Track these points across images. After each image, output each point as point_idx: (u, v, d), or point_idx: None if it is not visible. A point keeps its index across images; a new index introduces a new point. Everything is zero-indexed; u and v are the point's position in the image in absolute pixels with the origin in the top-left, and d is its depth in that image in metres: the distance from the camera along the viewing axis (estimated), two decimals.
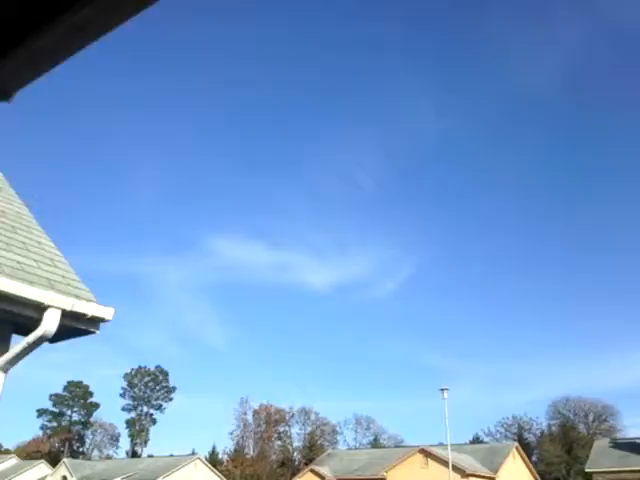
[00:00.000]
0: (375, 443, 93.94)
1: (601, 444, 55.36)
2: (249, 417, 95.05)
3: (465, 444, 68.46)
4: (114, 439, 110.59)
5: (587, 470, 49.92)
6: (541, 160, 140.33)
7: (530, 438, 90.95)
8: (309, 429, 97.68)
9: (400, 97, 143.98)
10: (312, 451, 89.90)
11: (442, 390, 41.69)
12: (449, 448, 43.29)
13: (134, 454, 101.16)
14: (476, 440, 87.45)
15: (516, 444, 61.85)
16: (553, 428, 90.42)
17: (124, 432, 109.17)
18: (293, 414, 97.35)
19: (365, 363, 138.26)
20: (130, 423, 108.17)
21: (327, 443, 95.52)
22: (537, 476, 62.69)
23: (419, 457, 52.93)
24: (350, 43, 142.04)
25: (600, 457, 50.97)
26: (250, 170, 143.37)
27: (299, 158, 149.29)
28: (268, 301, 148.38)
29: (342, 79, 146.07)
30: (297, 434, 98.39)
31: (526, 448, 76.43)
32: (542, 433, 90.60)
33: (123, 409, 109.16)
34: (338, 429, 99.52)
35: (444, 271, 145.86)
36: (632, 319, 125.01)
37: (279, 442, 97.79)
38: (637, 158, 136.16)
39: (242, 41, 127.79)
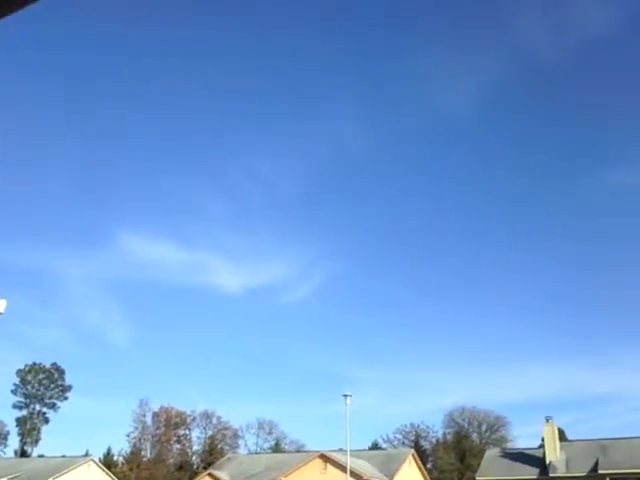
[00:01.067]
0: (276, 448, 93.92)
1: (492, 453, 57.85)
2: (148, 419, 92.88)
3: (364, 450, 69.68)
4: (2, 437, 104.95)
5: (477, 478, 51.99)
6: (454, 179, 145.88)
7: (426, 445, 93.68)
8: (210, 433, 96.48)
9: (323, 103, 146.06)
10: (212, 455, 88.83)
11: (345, 396, 42.30)
12: (348, 454, 43.96)
13: (23, 454, 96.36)
14: (375, 446, 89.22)
15: (412, 451, 63.58)
16: (448, 436, 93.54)
17: (14, 430, 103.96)
18: (194, 417, 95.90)
19: (273, 367, 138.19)
20: (20, 421, 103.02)
21: (228, 447, 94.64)
22: None
23: (318, 462, 53.39)
24: (273, 51, 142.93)
25: (490, 466, 53.23)
26: (167, 169, 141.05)
27: (219, 159, 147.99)
28: (178, 302, 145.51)
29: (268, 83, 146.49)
30: (197, 438, 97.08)
31: (422, 455, 78.70)
32: (437, 441, 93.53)
33: (14, 406, 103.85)
34: (240, 433, 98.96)
35: (356, 279, 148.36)
36: (527, 334, 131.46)
37: (178, 445, 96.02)
38: (545, 173, 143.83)
39: (154, 35, 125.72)
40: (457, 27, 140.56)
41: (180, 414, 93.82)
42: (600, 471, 45.97)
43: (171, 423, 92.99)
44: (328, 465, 52.56)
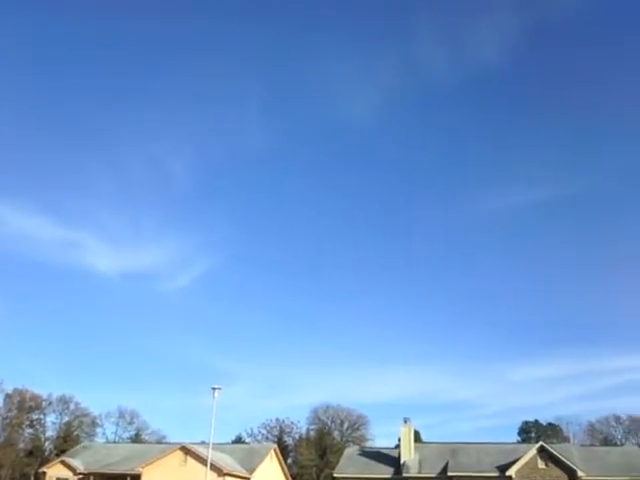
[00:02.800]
0: (136, 438, 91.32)
1: (351, 451, 59.47)
2: (0, 401, 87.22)
3: (227, 444, 69.39)
4: None
5: (335, 475, 53.24)
6: (343, 188, 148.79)
7: (289, 441, 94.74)
8: (66, 419, 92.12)
9: (226, 99, 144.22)
10: (66, 442, 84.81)
11: (213, 389, 41.81)
12: (210, 447, 43.55)
13: None
14: (238, 440, 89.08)
15: (275, 446, 64.02)
16: (311, 433, 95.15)
17: None
18: (51, 402, 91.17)
19: (142, 356, 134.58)
20: None
21: (85, 435, 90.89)
22: (289, 478, 65.48)
23: (179, 454, 52.41)
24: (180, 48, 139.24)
25: (348, 463, 54.66)
26: (56, 143, 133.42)
27: (109, 138, 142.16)
28: (47, 279, 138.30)
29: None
30: (53, 423, 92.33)
31: (284, 451, 79.52)
32: (301, 437, 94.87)
33: None
34: (99, 421, 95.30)
35: (237, 272, 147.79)
36: (395, 338, 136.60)
37: (30, 430, 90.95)
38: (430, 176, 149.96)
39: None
40: (360, 38, 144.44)
41: (35, 397, 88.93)
42: (449, 473, 48.53)
43: (25, 406, 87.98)
44: (189, 458, 51.74)
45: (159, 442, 79.26)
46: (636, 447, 63.22)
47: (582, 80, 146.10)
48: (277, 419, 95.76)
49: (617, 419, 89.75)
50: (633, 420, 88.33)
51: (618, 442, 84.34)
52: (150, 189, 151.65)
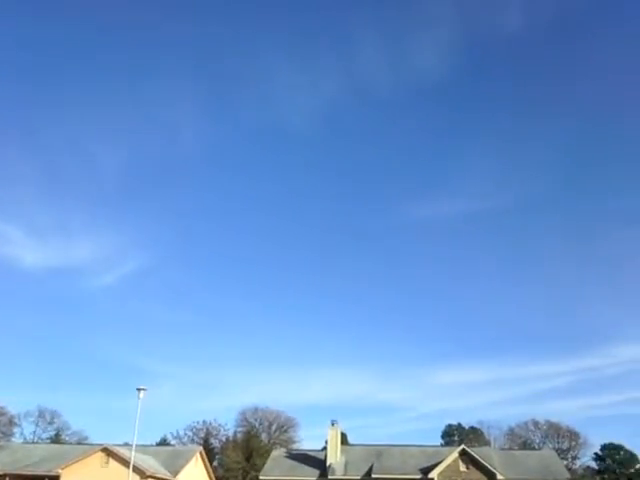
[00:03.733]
0: (56, 438, 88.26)
1: (277, 454, 59.44)
2: None
3: (151, 445, 67.98)
4: None
5: (260, 477, 53.11)
6: (284, 191, 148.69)
7: (216, 443, 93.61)
8: None
9: (163, 99, 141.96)
10: None
11: (138, 390, 40.92)
12: (133, 448, 42.60)
13: None
14: (163, 442, 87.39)
15: (200, 448, 63.18)
16: (239, 435, 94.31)
17: None
18: None
19: (64, 354, 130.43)
20: None
21: (1, 434, 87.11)
22: None
23: (100, 455, 51.03)
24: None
25: (274, 466, 54.63)
26: None
27: (40, 133, 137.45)
28: None
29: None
30: None
31: (210, 453, 78.54)
32: (227, 439, 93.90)
33: None
34: (17, 420, 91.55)
35: (167, 272, 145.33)
36: (327, 341, 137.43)
37: None
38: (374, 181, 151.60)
39: None
40: (302, 44, 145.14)
41: None
42: (374, 475, 49.21)
43: None
44: (110, 459, 50.46)
45: (80, 443, 76.83)
46: (553, 451, 65.66)
47: (516, 95, 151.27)
48: (204, 421, 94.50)
49: (536, 424, 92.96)
50: (551, 425, 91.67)
51: (536, 446, 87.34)
52: (81, 185, 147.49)
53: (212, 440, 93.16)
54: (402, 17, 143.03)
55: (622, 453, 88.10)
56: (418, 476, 49.33)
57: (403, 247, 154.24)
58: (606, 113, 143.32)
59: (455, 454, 50.03)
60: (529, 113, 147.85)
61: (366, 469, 50.75)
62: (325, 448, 56.06)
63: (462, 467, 49.33)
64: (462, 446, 52.08)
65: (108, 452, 50.86)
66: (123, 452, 49.60)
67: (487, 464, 48.72)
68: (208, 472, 62.61)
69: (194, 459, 58.53)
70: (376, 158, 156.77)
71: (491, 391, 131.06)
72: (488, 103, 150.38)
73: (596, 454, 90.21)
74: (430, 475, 48.50)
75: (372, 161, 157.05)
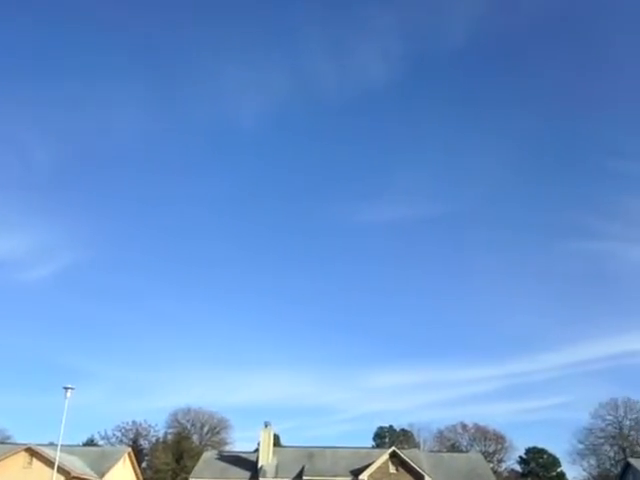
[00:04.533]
0: None
1: (208, 455, 58.76)
2: None
3: (78, 446, 66.17)
4: None
5: (190, 479, 52.42)
6: (231, 189, 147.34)
7: (145, 444, 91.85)
8: None
9: (107, 97, 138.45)
10: None
11: (66, 389, 39.77)
12: (58, 448, 41.34)
13: None
14: (90, 443, 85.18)
15: (129, 449, 61.91)
16: (169, 436, 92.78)
17: None
18: None
19: None
20: None
21: None
22: None
23: (23, 456, 49.28)
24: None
25: (205, 468, 54.03)
26: None
27: None
28: None
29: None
30: None
31: (139, 454, 77.05)
32: (158, 440, 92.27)
33: None
34: None
35: (101, 269, 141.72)
36: (262, 342, 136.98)
37: None
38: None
39: None
40: (253, 45, 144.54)
41: None
42: (305, 477, 49.33)
43: None
44: (34, 459, 48.82)
45: (3, 442, 73.96)
46: (479, 454, 67.35)
47: (453, 108, 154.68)
48: (134, 421, 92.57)
49: (464, 427, 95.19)
50: (478, 428, 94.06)
51: (464, 449, 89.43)
52: (12, 175, 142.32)
53: (142, 441, 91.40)
54: (349, 23, 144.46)
55: (545, 457, 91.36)
56: (348, 478, 49.71)
57: (347, 248, 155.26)
58: (540, 130, 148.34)
59: (385, 456, 50.66)
60: (466, 127, 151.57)
61: (297, 471, 50.82)
62: (258, 450, 55.82)
63: (392, 469, 49.99)
64: (392, 448, 52.74)
65: (32, 452, 49.20)
66: (48, 452, 48.10)
67: (416, 466, 49.54)
68: (136, 474, 61.38)
69: (122, 460, 57.31)
70: (322, 160, 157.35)
71: (423, 394, 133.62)
72: (427, 114, 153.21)
73: (521, 457, 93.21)
74: (360, 477, 48.95)
75: (318, 162, 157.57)
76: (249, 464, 53.65)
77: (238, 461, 55.07)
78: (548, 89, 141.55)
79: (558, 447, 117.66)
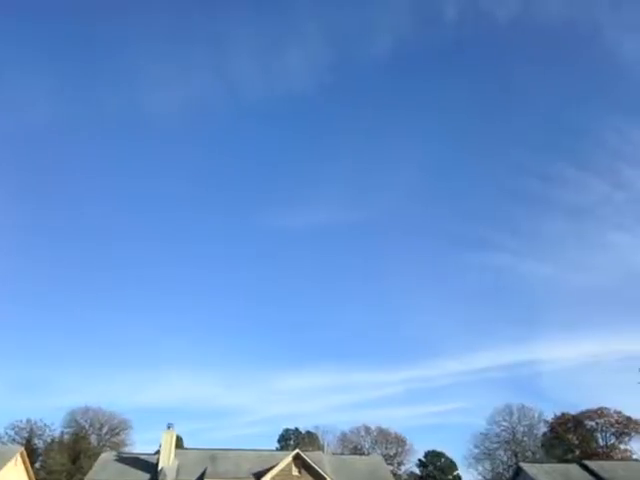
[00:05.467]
0: None
1: (107, 457, 56.93)
2: None
3: None
4: None
5: None
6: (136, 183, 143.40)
7: (40, 444, 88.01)
8: None
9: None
10: None
11: None
12: None
13: None
14: None
15: (22, 449, 59.06)
16: (66, 436, 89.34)
17: None
18: None
19: None
20: None
21: None
22: None
23: None
24: None
25: (102, 469, 52.35)
26: None
27: None
28: None
29: None
30: None
31: (33, 454, 73.67)
32: (53, 440, 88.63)
33: None
34: None
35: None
36: (162, 342, 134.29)
37: None
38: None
39: None
40: (177, 40, 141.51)
41: None
42: (206, 479, 48.68)
43: None
44: None
45: None
46: (380, 457, 68.71)
47: (382, 110, 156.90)
48: (28, 420, 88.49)
49: (367, 430, 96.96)
50: (381, 431, 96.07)
51: (366, 451, 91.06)
52: None
53: (36, 440, 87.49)
54: (277, 26, 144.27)
55: (443, 460, 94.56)
56: None
57: (262, 252, 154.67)
58: (453, 144, 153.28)
59: (289, 458, 50.78)
60: (389, 134, 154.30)
61: (199, 473, 50.08)
62: (159, 452, 54.61)
63: (295, 471, 50.16)
64: (296, 450, 52.89)
65: None
66: None
67: (318, 468, 49.95)
68: (29, 474, 58.54)
69: (14, 460, 54.53)
70: (240, 161, 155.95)
71: (330, 397, 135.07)
72: (350, 121, 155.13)
73: (420, 460, 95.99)
74: (263, 479, 48.85)
75: (234, 162, 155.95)
76: (149, 466, 52.40)
77: (137, 462, 53.68)
78: (461, 103, 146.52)
79: (456, 451, 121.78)
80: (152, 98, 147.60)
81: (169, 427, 53.71)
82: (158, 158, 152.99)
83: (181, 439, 69.88)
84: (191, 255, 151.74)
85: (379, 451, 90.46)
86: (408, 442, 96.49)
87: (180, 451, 55.86)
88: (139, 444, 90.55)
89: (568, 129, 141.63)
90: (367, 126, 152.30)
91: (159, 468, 50.78)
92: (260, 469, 50.53)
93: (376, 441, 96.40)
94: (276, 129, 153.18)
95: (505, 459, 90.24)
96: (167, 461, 51.51)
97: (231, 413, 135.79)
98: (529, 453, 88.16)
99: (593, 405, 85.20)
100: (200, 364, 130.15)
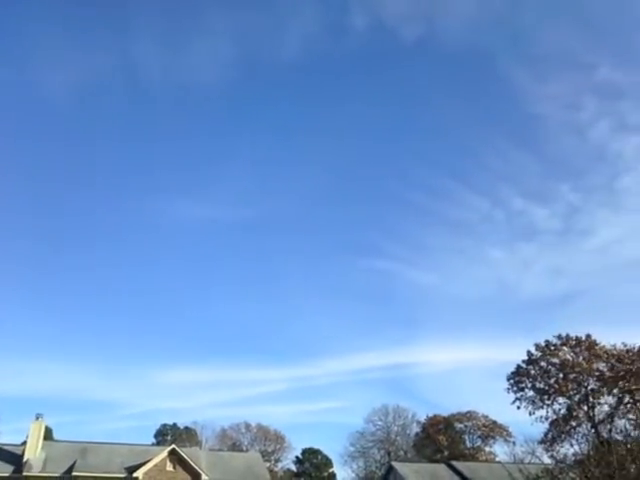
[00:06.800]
0: None
1: None
2: None
3: None
4: None
5: None
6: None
7: None
8: None
9: None
10: None
11: None
12: None
13: None
14: None
15: None
16: None
17: None
18: None
19: None
20: None
21: None
22: None
23: None
24: None
25: None
26: None
27: None
28: None
29: None
30: None
31: None
32: None
33: None
34: None
35: None
36: (34, 330, 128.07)
37: None
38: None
39: None
40: (74, 25, 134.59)
41: None
42: (74, 472, 46.89)
43: None
44: None
45: None
46: (258, 453, 68.99)
47: (279, 118, 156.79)
48: None
49: (247, 426, 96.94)
50: (260, 428, 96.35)
51: (245, 448, 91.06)
52: None
53: None
54: (185, 19, 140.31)
55: (319, 457, 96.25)
56: (123, 475, 48.28)
57: (152, 246, 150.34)
58: (352, 152, 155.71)
59: (164, 454, 50.01)
60: (294, 134, 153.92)
61: (68, 466, 48.18)
62: (25, 443, 52.02)
63: (169, 467, 49.50)
64: (172, 446, 52.24)
65: None
66: None
67: (194, 464, 49.53)
68: None
69: None
70: (137, 152, 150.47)
71: (211, 393, 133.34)
72: (254, 119, 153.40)
73: (297, 457, 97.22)
74: (135, 474, 47.76)
75: (132, 151, 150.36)
76: (13, 457, 49.77)
77: (0, 453, 50.91)
78: (357, 116, 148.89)
79: (332, 449, 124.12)
80: (48, 79, 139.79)
81: (37, 417, 51.36)
82: (53, 139, 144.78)
83: (51, 431, 66.78)
84: (74, 247, 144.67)
85: (258, 448, 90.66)
86: (287, 439, 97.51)
87: (49, 443, 53.44)
88: (5, 435, 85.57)
89: (457, 148, 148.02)
90: (273, 124, 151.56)
91: (24, 460, 48.39)
92: (133, 463, 49.40)
93: (255, 438, 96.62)
94: (176, 119, 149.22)
95: (379, 457, 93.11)
96: (33, 453, 49.18)
97: (107, 406, 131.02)
98: (401, 452, 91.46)
99: (463, 408, 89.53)
100: (75, 354, 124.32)
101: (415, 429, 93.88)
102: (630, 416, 49.40)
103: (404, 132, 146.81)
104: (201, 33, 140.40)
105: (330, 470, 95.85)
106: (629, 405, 50.99)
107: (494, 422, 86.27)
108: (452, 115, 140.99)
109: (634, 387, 50.05)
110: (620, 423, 48.66)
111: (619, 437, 44.08)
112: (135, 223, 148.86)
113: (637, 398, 50.23)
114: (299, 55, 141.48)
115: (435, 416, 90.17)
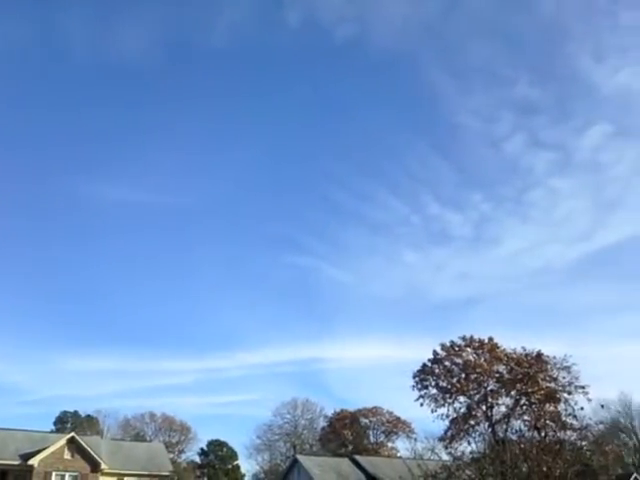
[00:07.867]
0: None
1: None
2: None
3: None
4: None
5: None
6: None
7: None
8: None
9: None
10: None
11: None
12: None
13: None
14: None
15: None
16: None
17: None
18: None
19: None
20: None
21: None
22: None
23: None
24: None
25: None
26: None
27: None
28: None
29: None
30: None
31: None
32: None
33: None
34: None
35: None
36: None
37: None
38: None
39: None
40: None
41: None
42: None
43: None
44: None
45: None
46: (161, 444, 67.88)
47: (218, 96, 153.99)
48: None
49: (152, 416, 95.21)
50: (166, 418, 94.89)
51: (149, 438, 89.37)
52: None
53: None
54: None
55: (225, 450, 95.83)
56: (17, 462, 46.38)
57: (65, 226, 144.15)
58: (279, 144, 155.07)
59: (62, 441, 48.39)
60: (226, 121, 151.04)
61: None
62: None
63: (67, 455, 47.97)
64: (72, 434, 50.63)
65: None
66: None
67: (93, 453, 48.18)
68: None
69: None
70: (55, 129, 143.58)
71: (117, 381, 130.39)
72: (184, 105, 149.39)
73: (202, 449, 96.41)
74: (30, 462, 45.96)
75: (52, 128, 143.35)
76: None
77: None
78: (285, 110, 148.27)
79: (239, 442, 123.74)
80: None
81: None
82: None
83: None
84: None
85: (162, 438, 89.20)
86: (193, 431, 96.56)
87: None
88: None
89: (383, 152, 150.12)
90: (204, 110, 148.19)
91: None
92: (29, 450, 47.52)
93: (160, 428, 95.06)
94: (103, 99, 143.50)
95: (284, 450, 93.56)
96: None
97: (3, 390, 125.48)
98: (307, 446, 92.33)
99: (370, 404, 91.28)
100: None
101: (322, 423, 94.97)
102: (525, 417, 51.86)
103: (331, 132, 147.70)
104: (132, 15, 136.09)
105: (235, 462, 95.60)
106: (525, 407, 53.36)
107: (398, 418, 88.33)
108: (379, 119, 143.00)
109: (530, 390, 52.40)
110: (516, 424, 51.04)
111: (514, 437, 46.27)
112: (50, 201, 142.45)
113: (532, 401, 52.60)
114: (229, 43, 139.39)
115: (342, 411, 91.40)
